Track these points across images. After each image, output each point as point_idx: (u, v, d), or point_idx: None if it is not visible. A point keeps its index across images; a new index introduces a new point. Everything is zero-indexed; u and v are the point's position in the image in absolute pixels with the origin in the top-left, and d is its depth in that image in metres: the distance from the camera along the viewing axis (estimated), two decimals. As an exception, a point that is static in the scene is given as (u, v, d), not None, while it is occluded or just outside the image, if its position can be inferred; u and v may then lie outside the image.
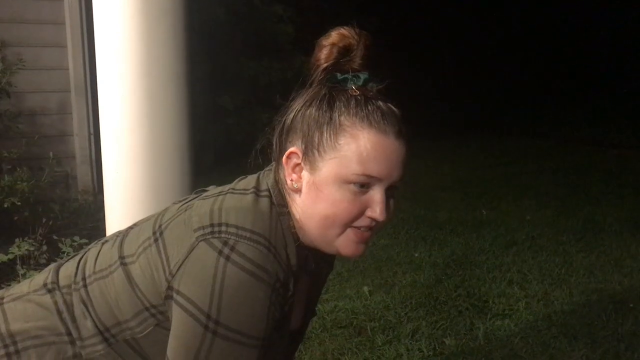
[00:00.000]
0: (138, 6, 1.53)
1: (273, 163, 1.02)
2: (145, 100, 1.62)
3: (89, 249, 1.07)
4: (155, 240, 0.96)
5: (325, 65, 0.95)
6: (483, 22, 12.72)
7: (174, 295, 0.90)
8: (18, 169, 3.35)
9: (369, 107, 0.93)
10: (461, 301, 2.96)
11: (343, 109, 0.93)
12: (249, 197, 0.95)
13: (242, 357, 0.89)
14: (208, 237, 0.89)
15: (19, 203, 3.16)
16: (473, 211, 4.73)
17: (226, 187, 1.01)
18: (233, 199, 0.96)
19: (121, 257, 0.99)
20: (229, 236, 0.89)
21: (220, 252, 0.88)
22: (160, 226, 0.97)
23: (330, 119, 0.92)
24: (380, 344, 2.54)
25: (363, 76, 0.95)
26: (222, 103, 6.07)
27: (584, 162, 6.82)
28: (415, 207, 4.82)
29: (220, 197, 0.96)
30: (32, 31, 4.15)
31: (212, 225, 0.91)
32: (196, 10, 1.69)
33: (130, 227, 1.06)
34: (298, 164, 0.95)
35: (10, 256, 2.94)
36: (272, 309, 0.90)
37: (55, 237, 3.28)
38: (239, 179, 1.05)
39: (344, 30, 0.95)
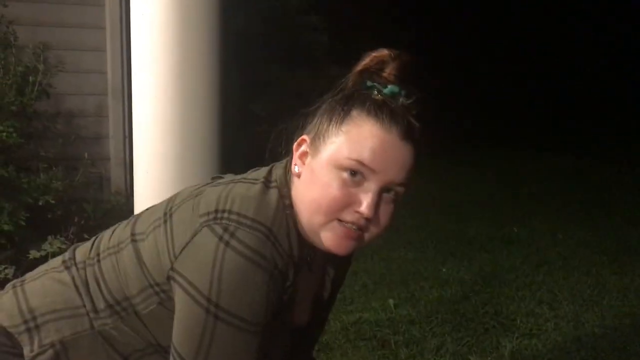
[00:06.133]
0: (174, 12, 1.56)
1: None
2: (178, 103, 1.65)
3: (105, 231, 1.11)
4: (165, 221, 0.99)
5: (358, 69, 0.98)
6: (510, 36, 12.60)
7: (176, 277, 0.93)
8: (54, 168, 3.42)
9: (383, 108, 0.93)
10: (488, 319, 2.90)
11: (357, 104, 0.95)
12: (257, 187, 0.98)
13: (244, 343, 0.91)
14: (211, 222, 0.93)
15: (53, 201, 3.22)
16: (503, 228, 4.65)
17: (239, 176, 1.04)
18: (242, 187, 0.98)
19: (132, 235, 1.03)
20: (230, 222, 0.92)
21: (220, 238, 0.90)
22: (171, 208, 1.01)
23: (342, 110, 0.95)
24: (403, 358, 2.51)
25: (391, 88, 0.95)
26: (254, 110, 6.12)
27: (618, 181, 6.66)
28: (444, 221, 4.77)
29: (230, 185, 0.99)
30: (73, 35, 4.24)
31: (216, 211, 0.94)
32: (232, 17, 1.72)
33: (146, 209, 1.10)
34: (305, 152, 0.98)
35: (43, 253, 3.00)
36: (270, 295, 0.91)
37: (86, 236, 3.32)
38: (253, 169, 1.07)
39: (383, 49, 0.98)
